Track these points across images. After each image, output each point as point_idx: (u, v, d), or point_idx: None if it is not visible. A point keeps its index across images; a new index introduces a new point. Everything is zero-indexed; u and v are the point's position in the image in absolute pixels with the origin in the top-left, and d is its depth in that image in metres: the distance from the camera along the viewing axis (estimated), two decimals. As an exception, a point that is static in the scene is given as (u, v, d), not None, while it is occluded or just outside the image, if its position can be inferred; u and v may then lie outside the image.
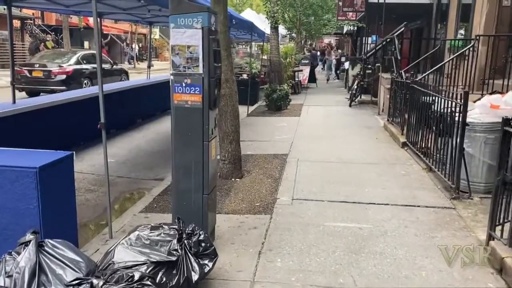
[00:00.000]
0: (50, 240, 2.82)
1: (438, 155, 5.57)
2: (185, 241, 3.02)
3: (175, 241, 2.96)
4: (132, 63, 30.85)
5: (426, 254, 3.63)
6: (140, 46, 36.53)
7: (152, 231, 3.02)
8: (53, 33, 26.16)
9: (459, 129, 4.77)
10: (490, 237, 3.66)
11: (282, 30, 19.22)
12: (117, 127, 9.42)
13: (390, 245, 3.80)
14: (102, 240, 3.98)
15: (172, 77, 3.41)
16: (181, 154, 3.50)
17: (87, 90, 10.14)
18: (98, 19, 8.70)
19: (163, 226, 3.09)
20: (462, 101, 4.67)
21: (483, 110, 4.89)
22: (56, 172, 3.58)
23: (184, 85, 3.39)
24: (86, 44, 29.27)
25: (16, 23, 24.02)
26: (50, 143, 6.95)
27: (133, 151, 7.95)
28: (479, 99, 5.63)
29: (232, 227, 4.18)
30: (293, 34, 20.70)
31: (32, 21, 25.49)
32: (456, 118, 4.88)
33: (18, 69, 13.08)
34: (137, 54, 32.45)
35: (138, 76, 20.85)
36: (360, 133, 8.81)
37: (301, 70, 17.65)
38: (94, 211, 5.15)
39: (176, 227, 3.10)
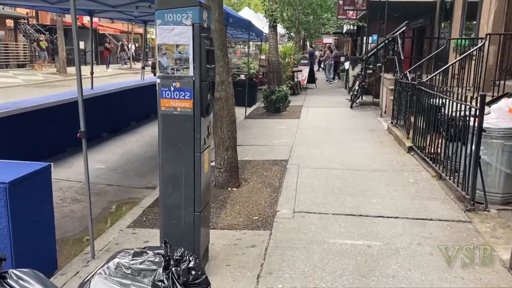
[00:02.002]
0: (14, 271, 2.41)
1: (449, 162, 5.20)
2: (173, 269, 2.62)
3: (160, 270, 2.57)
4: (128, 63, 30.39)
5: (445, 278, 3.25)
6: (137, 46, 36.08)
7: (134, 258, 2.62)
8: (47, 33, 25.69)
9: (474, 135, 4.39)
10: (516, 259, 3.28)
11: (280, 29, 18.83)
12: (109, 130, 9.02)
13: (403, 266, 3.41)
14: (84, 261, 3.59)
15: (158, 80, 3.02)
16: (169, 167, 3.11)
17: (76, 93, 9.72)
18: (90, 17, 8.36)
19: (147, 251, 2.69)
20: (479, 105, 4.28)
21: (500, 114, 4.51)
22: (29, 187, 3.19)
23: (172, 89, 2.99)
24: (81, 44, 28.79)
25: (10, 23, 23.59)
26: (36, 149, 6.62)
27: (125, 156, 7.55)
28: (492, 101, 5.26)
29: (228, 245, 3.78)
30: (292, 34, 20.30)
31: (26, 21, 25.03)
32: (471, 123, 4.50)
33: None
34: (134, 55, 31.98)
35: (133, 77, 20.47)
36: (363, 137, 8.43)
37: (300, 71, 17.27)
38: (80, 224, 4.75)
39: (162, 252, 2.71)
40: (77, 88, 3.45)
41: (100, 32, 31.31)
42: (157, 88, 3.04)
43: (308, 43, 31.16)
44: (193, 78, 2.97)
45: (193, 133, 3.03)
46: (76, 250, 4.10)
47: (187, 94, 2.98)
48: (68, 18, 24.31)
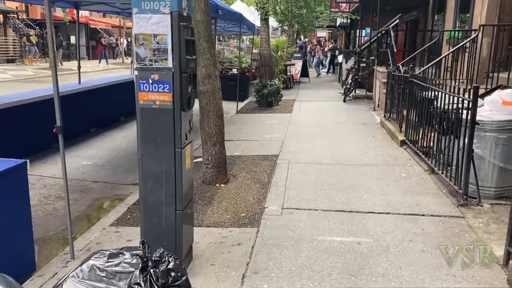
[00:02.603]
0: (-19, 275, 2.29)
1: (441, 156, 5.09)
2: (151, 271, 2.49)
3: (137, 272, 2.43)
4: (120, 58, 30.10)
5: (436, 276, 3.14)
6: (129, 40, 35.70)
7: (110, 260, 2.48)
8: (37, 27, 25.31)
9: (467, 128, 4.28)
10: (509, 255, 3.18)
11: (273, 22, 18.62)
12: (97, 126, 8.85)
13: (394, 264, 3.30)
14: (63, 262, 3.45)
15: (136, 72, 2.87)
16: (149, 163, 2.97)
17: (62, 87, 9.53)
18: (76, 10, 8.14)
19: (124, 253, 2.55)
20: (472, 97, 4.17)
21: (494, 106, 4.40)
22: (3, 185, 3.04)
23: (150, 81, 2.85)
24: (72, 38, 28.44)
25: (-1, 17, 23.23)
26: (21, 146, 6.45)
27: (114, 152, 7.39)
28: (485, 93, 5.14)
29: (213, 244, 3.66)
30: (285, 27, 20.09)
31: (15, 15, 24.65)
32: (464, 116, 4.39)
33: None
34: (126, 49, 31.66)
35: (125, 71, 20.22)
36: (356, 131, 8.31)
37: (293, 64, 17.07)
38: (62, 223, 4.59)
39: (140, 253, 2.58)
40: (52, 82, 3.29)
41: (92, 26, 30.95)
42: (134, 81, 2.89)
43: (302, 37, 30.92)
44: (172, 70, 2.83)
45: (173, 128, 2.89)
46: (57, 249, 3.96)
47: (166, 86, 2.83)
48: (58, 13, 23.98)
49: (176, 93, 2.85)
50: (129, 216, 4.32)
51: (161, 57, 2.82)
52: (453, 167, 4.69)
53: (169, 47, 2.81)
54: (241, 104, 11.69)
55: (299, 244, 3.61)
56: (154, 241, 3.04)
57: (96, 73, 19.86)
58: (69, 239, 3.48)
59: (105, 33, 30.55)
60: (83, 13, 23.45)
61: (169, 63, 2.82)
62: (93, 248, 3.60)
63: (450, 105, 4.74)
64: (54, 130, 3.25)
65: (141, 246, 2.60)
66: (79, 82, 8.94)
